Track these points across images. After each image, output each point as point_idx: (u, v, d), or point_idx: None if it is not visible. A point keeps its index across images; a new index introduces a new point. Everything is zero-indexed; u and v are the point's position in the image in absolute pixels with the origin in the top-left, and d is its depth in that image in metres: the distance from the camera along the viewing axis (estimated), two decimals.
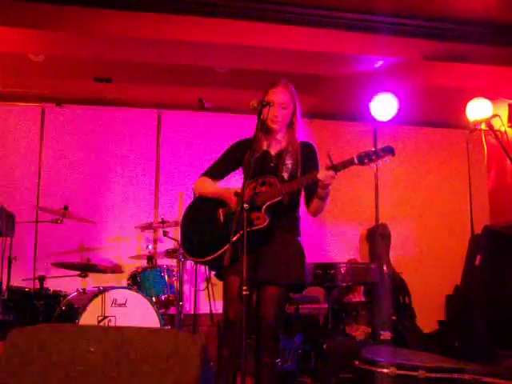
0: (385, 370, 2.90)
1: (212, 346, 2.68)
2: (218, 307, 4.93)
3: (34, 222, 5.11)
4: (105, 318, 3.95)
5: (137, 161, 5.81)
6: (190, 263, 5.21)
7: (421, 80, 5.21)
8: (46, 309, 4.25)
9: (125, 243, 5.49)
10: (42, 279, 4.33)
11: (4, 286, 4.34)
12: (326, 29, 4.41)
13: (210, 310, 5.08)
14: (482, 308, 4.57)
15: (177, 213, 5.54)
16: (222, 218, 2.66)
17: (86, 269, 4.49)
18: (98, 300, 3.96)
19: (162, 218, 4.81)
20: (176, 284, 4.59)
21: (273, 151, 2.75)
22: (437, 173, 6.40)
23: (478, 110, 5.17)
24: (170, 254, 4.83)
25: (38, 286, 4.37)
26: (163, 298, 4.43)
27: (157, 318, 3.99)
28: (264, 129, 2.66)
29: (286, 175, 2.64)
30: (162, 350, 1.80)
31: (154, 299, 4.18)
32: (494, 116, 5.03)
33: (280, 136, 2.77)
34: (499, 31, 4.60)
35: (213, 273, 3.06)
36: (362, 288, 5.52)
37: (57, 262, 4.56)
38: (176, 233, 4.98)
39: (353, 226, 6.13)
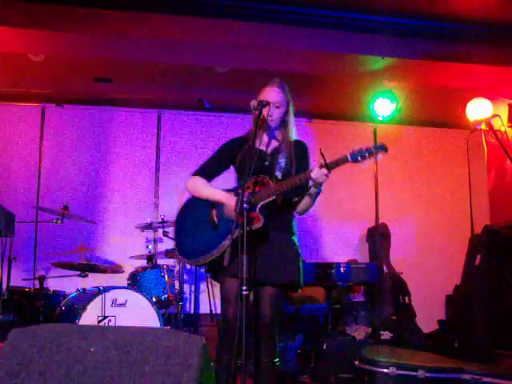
0: (385, 370, 2.90)
1: (212, 346, 2.68)
2: (218, 307, 4.93)
3: (34, 222, 5.12)
4: (105, 317, 3.95)
5: (137, 161, 5.81)
6: None
7: (421, 80, 5.21)
8: (45, 309, 4.25)
9: (125, 243, 5.49)
10: (42, 279, 4.33)
11: (4, 286, 4.34)
12: (326, 29, 4.41)
13: (210, 310, 5.09)
14: (482, 308, 4.57)
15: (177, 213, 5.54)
16: (215, 218, 2.65)
17: (86, 269, 4.49)
18: (97, 300, 3.96)
19: (162, 218, 4.80)
20: (176, 284, 4.59)
21: (266, 149, 2.74)
22: (437, 173, 6.40)
23: (478, 109, 5.17)
24: (169, 253, 4.83)
25: (38, 285, 4.37)
26: (163, 298, 4.43)
27: (157, 318, 3.99)
28: (259, 128, 2.68)
29: (279, 174, 2.64)
30: (162, 350, 1.80)
31: (154, 299, 4.17)
32: (494, 116, 5.03)
33: (273, 134, 2.76)
34: (499, 31, 4.60)
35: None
36: (361, 288, 5.53)
37: (57, 262, 4.56)
38: None
39: (353, 226, 6.14)
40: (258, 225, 2.48)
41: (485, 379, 2.74)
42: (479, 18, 4.46)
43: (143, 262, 4.82)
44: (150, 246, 4.86)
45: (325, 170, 2.41)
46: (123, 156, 5.79)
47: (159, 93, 5.78)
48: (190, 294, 5.43)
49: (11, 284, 4.42)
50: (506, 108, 5.42)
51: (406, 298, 5.41)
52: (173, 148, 5.90)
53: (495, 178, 5.87)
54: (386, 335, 4.71)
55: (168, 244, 5.06)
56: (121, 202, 5.69)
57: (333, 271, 4.31)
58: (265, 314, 2.57)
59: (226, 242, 2.48)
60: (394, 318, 5.02)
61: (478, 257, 4.96)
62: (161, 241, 5.56)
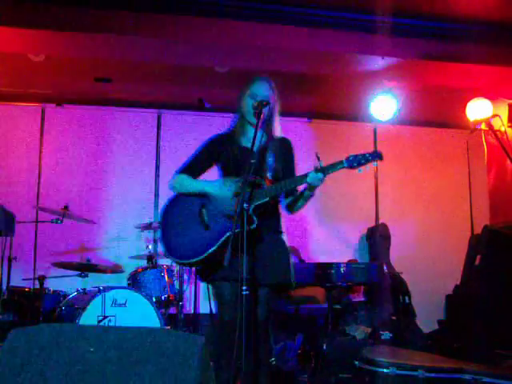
0: (385, 370, 2.90)
1: (212, 346, 2.67)
2: None
3: (34, 222, 5.11)
4: (105, 318, 3.95)
5: (137, 161, 5.81)
6: None
7: (421, 80, 5.21)
8: (45, 309, 4.26)
9: (125, 243, 5.49)
10: (41, 279, 4.33)
11: (4, 286, 4.34)
12: (326, 29, 4.41)
13: (210, 310, 5.08)
14: (482, 308, 4.57)
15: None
16: (206, 218, 2.64)
17: (86, 269, 4.49)
18: (97, 300, 3.96)
19: None
20: (176, 284, 4.59)
21: (253, 147, 2.71)
22: (437, 173, 6.40)
23: (478, 109, 5.17)
24: None
25: (38, 286, 4.37)
26: (163, 298, 4.43)
27: (157, 318, 3.99)
28: (243, 124, 2.72)
29: (269, 175, 2.63)
30: (162, 350, 1.80)
31: (154, 299, 4.17)
32: (494, 116, 5.03)
33: (259, 132, 2.75)
34: (499, 31, 4.60)
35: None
36: (361, 288, 5.52)
37: (57, 261, 4.56)
38: None
39: (353, 226, 6.14)
40: (253, 225, 2.48)
41: (485, 379, 2.74)
42: (479, 17, 4.46)
43: (143, 262, 4.82)
44: (150, 246, 4.86)
45: (320, 175, 2.44)
46: (123, 156, 5.78)
47: (159, 93, 5.78)
48: (190, 294, 5.43)
49: (11, 284, 4.43)
50: (506, 108, 5.43)
51: (406, 298, 5.41)
52: (173, 148, 5.89)
53: (495, 177, 5.87)
54: (385, 335, 4.71)
55: None
56: (121, 202, 5.68)
57: (333, 271, 4.30)
58: (258, 313, 2.57)
59: (222, 241, 2.48)
60: (393, 317, 5.02)
61: (478, 257, 4.97)
62: None
